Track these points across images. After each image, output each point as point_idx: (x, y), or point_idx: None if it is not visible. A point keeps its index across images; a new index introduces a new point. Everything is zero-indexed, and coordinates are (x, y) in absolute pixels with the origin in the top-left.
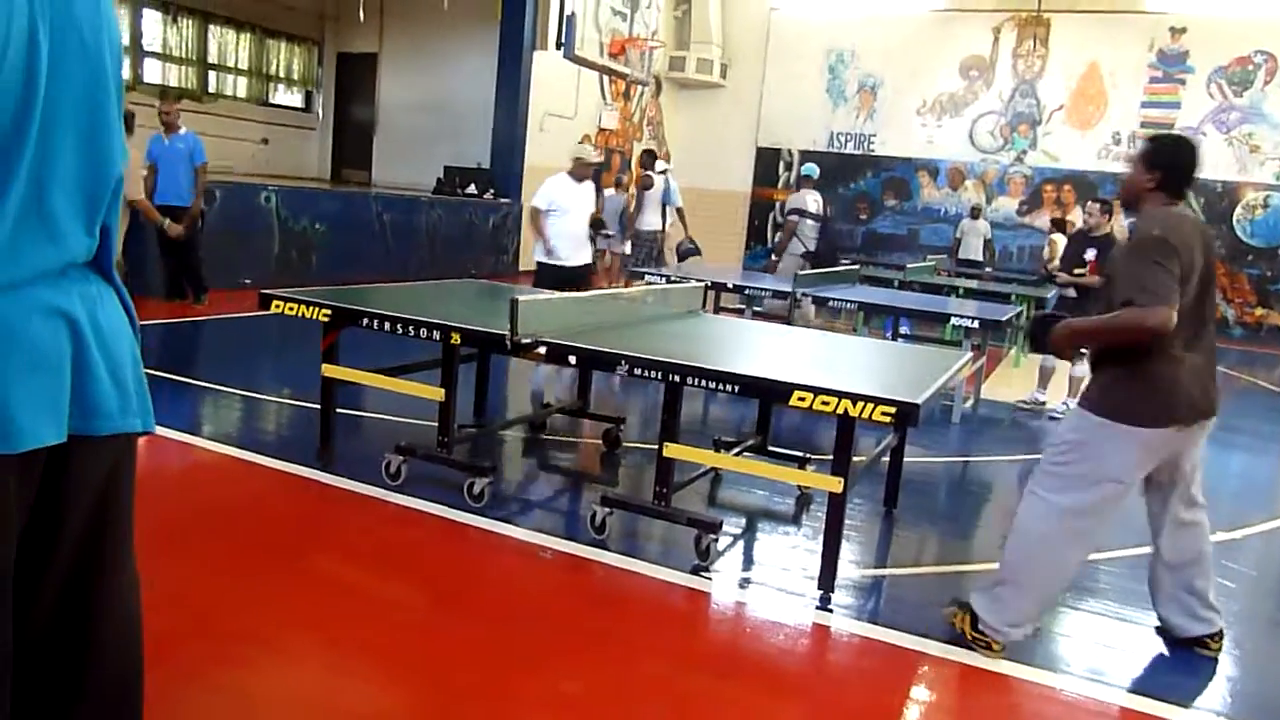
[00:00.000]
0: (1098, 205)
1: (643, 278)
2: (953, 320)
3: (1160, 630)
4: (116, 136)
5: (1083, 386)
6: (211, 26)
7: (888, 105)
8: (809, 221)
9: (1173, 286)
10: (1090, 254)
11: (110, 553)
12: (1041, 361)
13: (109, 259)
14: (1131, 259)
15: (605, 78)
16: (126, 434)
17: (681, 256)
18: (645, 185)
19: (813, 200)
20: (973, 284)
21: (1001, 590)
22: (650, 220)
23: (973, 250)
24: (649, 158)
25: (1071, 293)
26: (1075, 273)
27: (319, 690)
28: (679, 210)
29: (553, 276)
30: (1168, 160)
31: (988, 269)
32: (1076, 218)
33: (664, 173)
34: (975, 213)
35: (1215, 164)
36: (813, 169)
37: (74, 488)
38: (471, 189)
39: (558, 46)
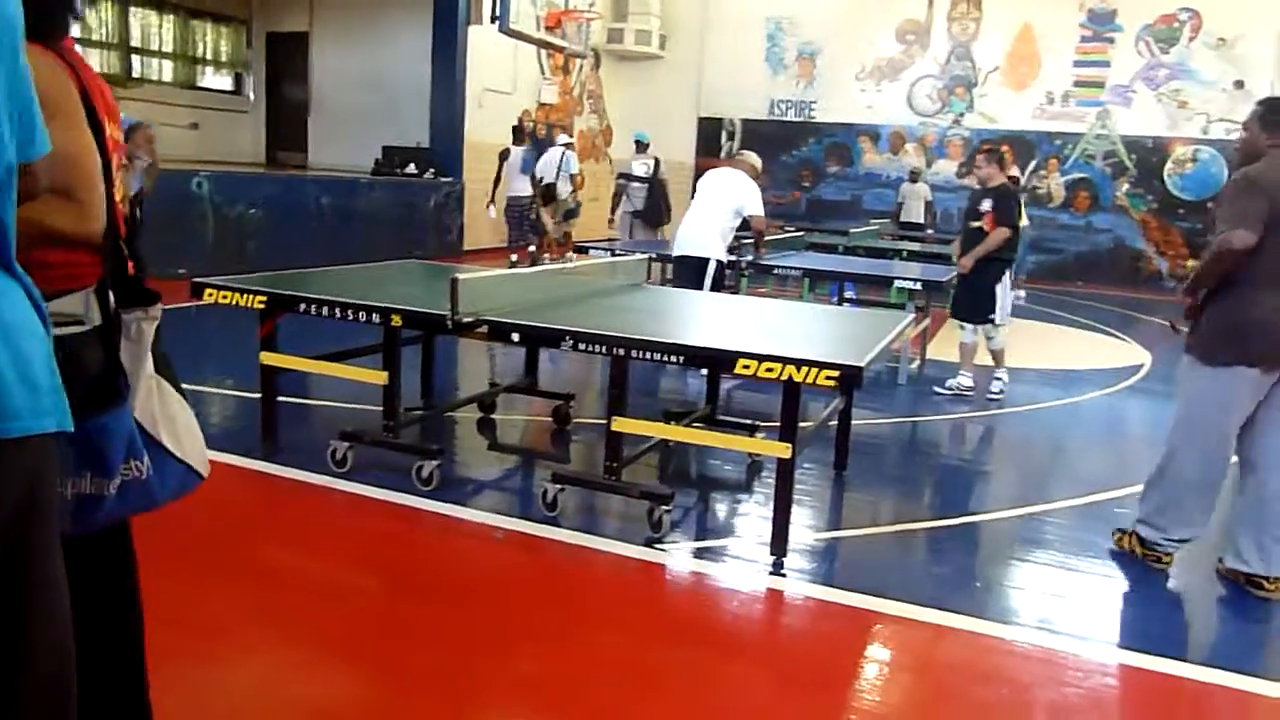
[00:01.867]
0: (982, 156)
1: (586, 252)
2: (896, 283)
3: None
4: (3, 126)
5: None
6: (133, 8)
7: (827, 72)
8: (635, 184)
9: (1251, 213)
10: (986, 205)
11: (38, 555)
12: (961, 338)
13: (7, 252)
14: (1221, 201)
15: (543, 52)
16: (42, 434)
17: (565, 217)
18: (503, 156)
19: (640, 165)
20: (915, 246)
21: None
22: (517, 188)
23: (914, 213)
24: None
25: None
26: (971, 226)
27: (275, 680)
28: (572, 177)
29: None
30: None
31: (929, 231)
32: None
33: (567, 145)
34: (914, 176)
35: (1145, 120)
36: (643, 134)
37: None
38: (411, 168)
39: (493, 20)
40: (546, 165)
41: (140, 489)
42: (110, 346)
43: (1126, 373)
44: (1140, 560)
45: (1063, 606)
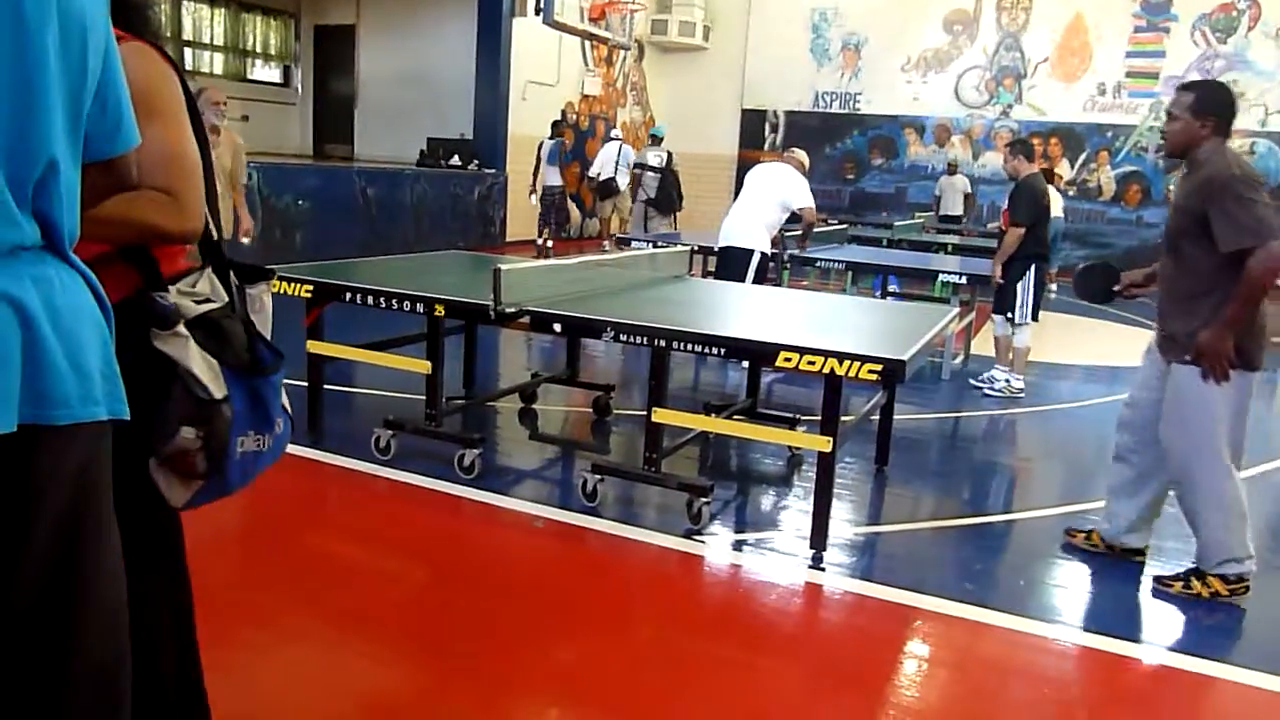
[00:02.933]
0: (1008, 149)
1: (629, 244)
2: (940, 277)
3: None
4: (53, 118)
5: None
6: (185, 3)
7: (872, 63)
8: (649, 174)
9: (1273, 215)
10: (1005, 202)
11: (91, 542)
12: (995, 332)
13: (63, 242)
14: (1224, 200)
15: (587, 43)
16: (98, 421)
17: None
18: (540, 147)
19: (654, 156)
20: (959, 240)
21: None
22: (546, 178)
23: (953, 206)
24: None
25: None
26: (990, 226)
27: (318, 666)
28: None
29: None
30: (1216, 103)
31: (965, 223)
32: (1065, 170)
33: (620, 139)
34: (952, 169)
35: None
36: (661, 128)
37: (42, 478)
38: (455, 160)
39: (537, 12)
40: (605, 160)
41: (277, 442)
42: (246, 318)
43: None
44: (1228, 599)
45: (1103, 605)
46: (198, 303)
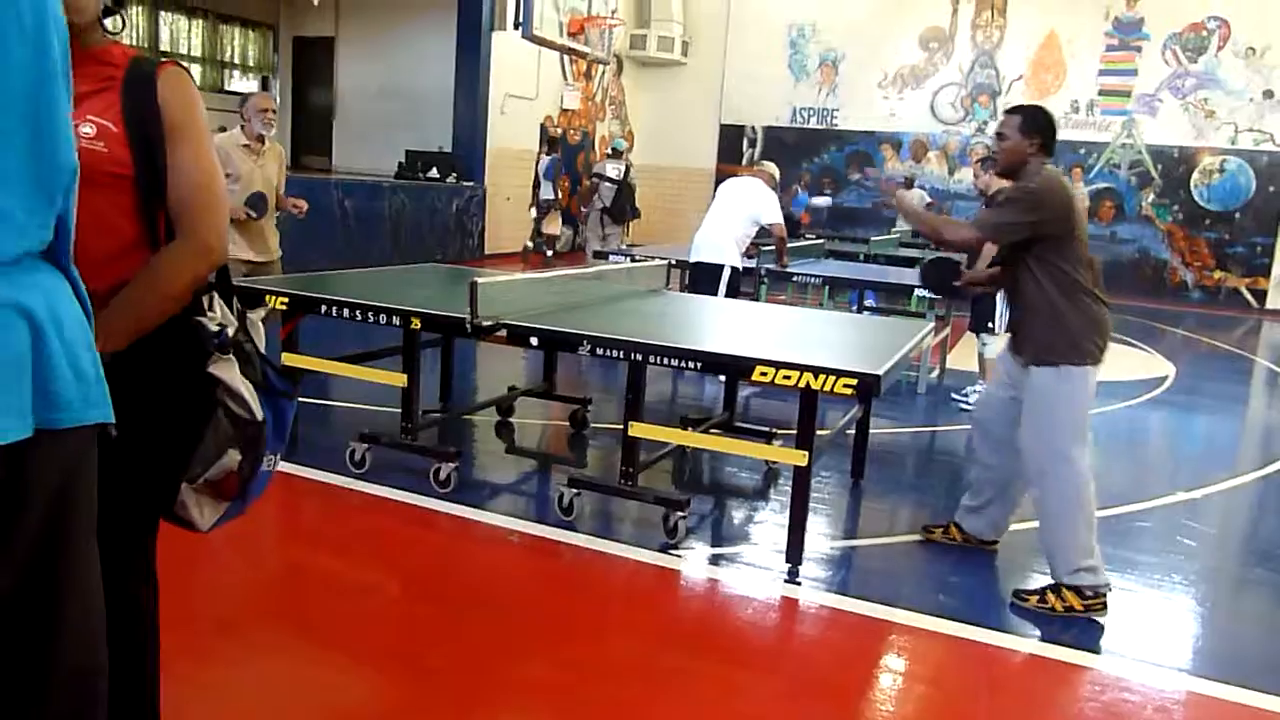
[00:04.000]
0: (978, 164)
1: (606, 258)
2: (916, 292)
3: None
4: (66, 123)
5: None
6: (163, 13)
7: (849, 79)
8: (606, 184)
9: (1005, 229)
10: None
11: (71, 545)
12: (980, 350)
13: (65, 250)
14: (1001, 200)
15: (566, 58)
16: (88, 425)
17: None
18: (537, 162)
19: (612, 168)
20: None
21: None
22: (545, 193)
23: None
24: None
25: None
26: None
27: (292, 680)
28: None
29: None
30: (1041, 124)
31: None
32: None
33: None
34: (909, 182)
35: (1172, 130)
36: (620, 143)
37: (31, 481)
38: (434, 173)
39: (516, 27)
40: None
41: (274, 461)
42: (252, 341)
43: (1150, 385)
44: (1084, 614)
45: (1079, 619)
46: (219, 327)
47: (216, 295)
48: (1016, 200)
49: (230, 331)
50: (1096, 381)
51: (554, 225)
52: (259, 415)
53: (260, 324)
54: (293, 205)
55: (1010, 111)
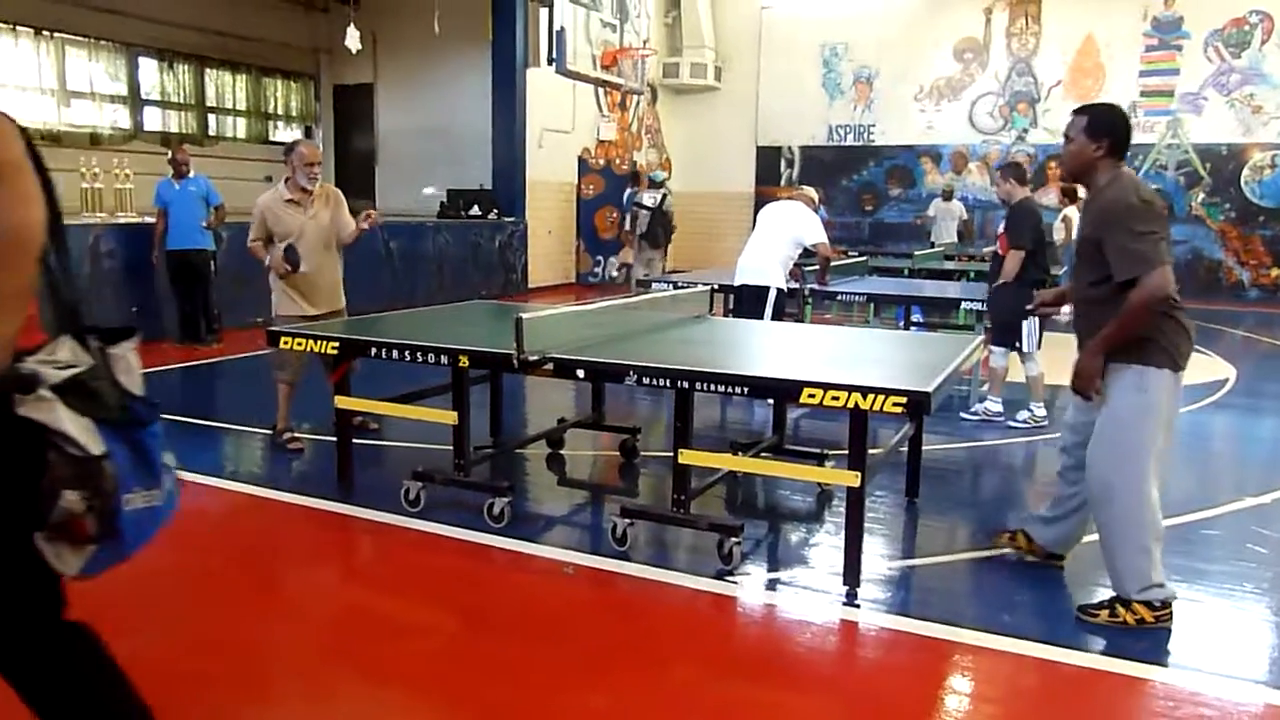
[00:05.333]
0: (999, 173)
1: (649, 287)
2: (963, 305)
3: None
4: None
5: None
6: (208, 70)
7: (884, 95)
8: (643, 212)
9: (1164, 247)
10: (1001, 226)
11: None
12: (992, 362)
13: None
14: (1117, 232)
15: (600, 90)
16: None
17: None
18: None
19: (648, 197)
20: (980, 266)
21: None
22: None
23: (946, 233)
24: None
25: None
26: (985, 251)
27: (351, 717)
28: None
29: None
30: (1109, 125)
31: (961, 247)
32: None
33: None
34: (948, 194)
35: (1219, 127)
36: (658, 174)
37: None
38: (475, 210)
39: (550, 62)
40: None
41: (169, 497)
42: (113, 378)
43: (1211, 388)
44: (1155, 625)
45: (1149, 634)
46: (59, 369)
47: (68, 339)
48: (1135, 213)
49: (58, 373)
50: (1181, 387)
51: (629, 255)
52: (94, 450)
53: (129, 357)
54: (364, 223)
55: (1077, 112)
